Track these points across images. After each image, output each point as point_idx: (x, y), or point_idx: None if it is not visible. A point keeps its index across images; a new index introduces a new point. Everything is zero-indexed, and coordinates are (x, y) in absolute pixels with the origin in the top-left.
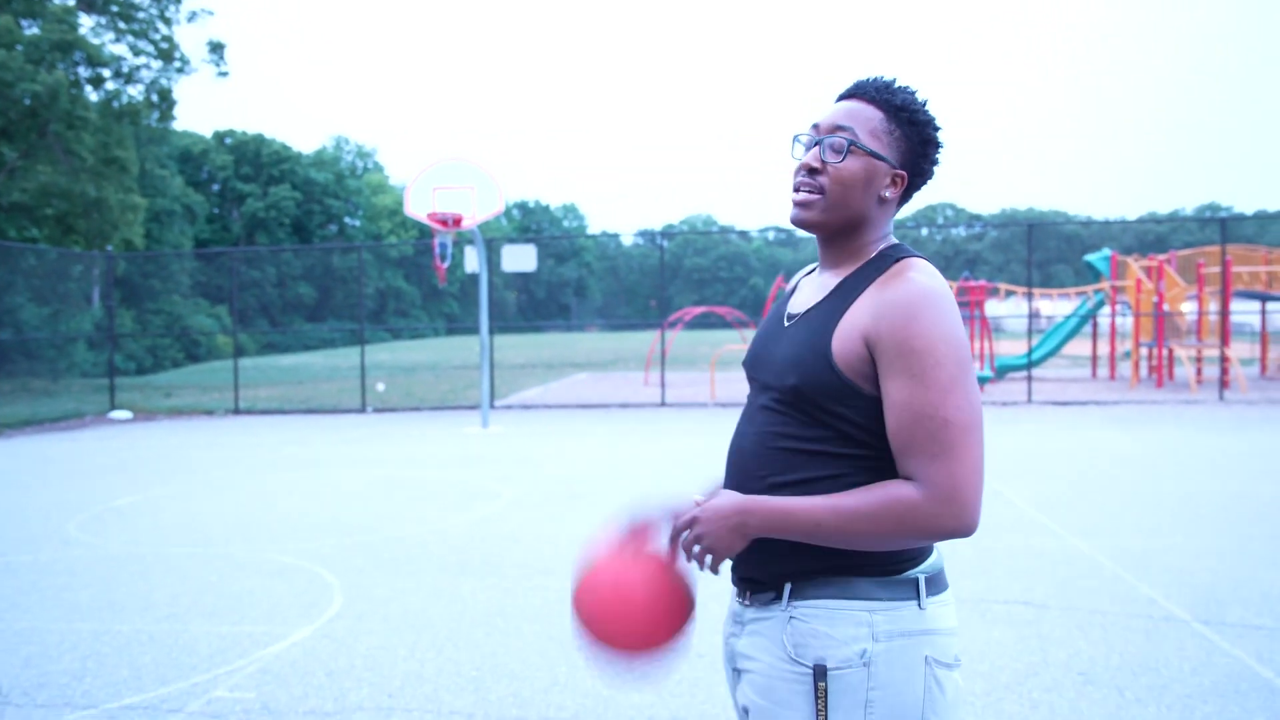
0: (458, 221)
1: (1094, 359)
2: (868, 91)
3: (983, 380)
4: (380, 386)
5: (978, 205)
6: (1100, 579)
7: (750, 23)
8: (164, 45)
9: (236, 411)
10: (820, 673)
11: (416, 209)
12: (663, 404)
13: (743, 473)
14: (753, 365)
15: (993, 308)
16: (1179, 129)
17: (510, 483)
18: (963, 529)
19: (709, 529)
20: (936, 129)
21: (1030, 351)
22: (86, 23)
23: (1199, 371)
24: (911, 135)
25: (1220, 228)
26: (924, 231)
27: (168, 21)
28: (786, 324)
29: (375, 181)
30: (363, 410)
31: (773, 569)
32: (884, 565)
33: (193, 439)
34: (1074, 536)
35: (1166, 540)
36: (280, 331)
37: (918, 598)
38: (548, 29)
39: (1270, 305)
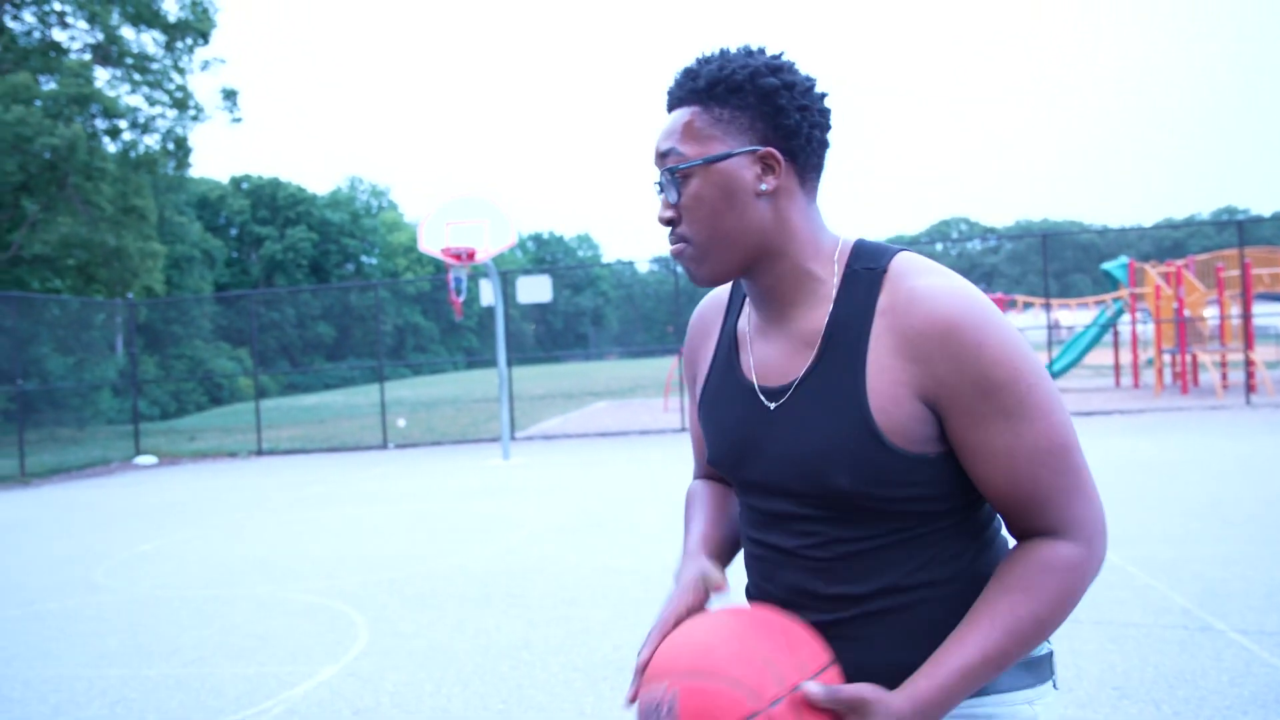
0: (471, 255)
1: (1116, 368)
2: (675, 93)
3: None
4: (401, 423)
5: (991, 218)
6: (1131, 590)
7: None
8: (178, 95)
9: (259, 453)
10: None
11: (430, 245)
12: (683, 429)
13: (805, 595)
14: (737, 464)
15: (1011, 319)
16: (1193, 134)
17: (533, 514)
18: (1102, 564)
19: None
20: (772, 78)
21: (1051, 363)
22: (102, 76)
23: (1224, 376)
24: (744, 104)
25: (1238, 231)
26: (938, 246)
27: (181, 71)
28: (770, 405)
29: (390, 219)
30: (384, 447)
31: (903, 666)
32: None
33: (217, 482)
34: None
35: (1198, 548)
36: (301, 371)
37: (1053, 675)
38: (555, 63)
39: None
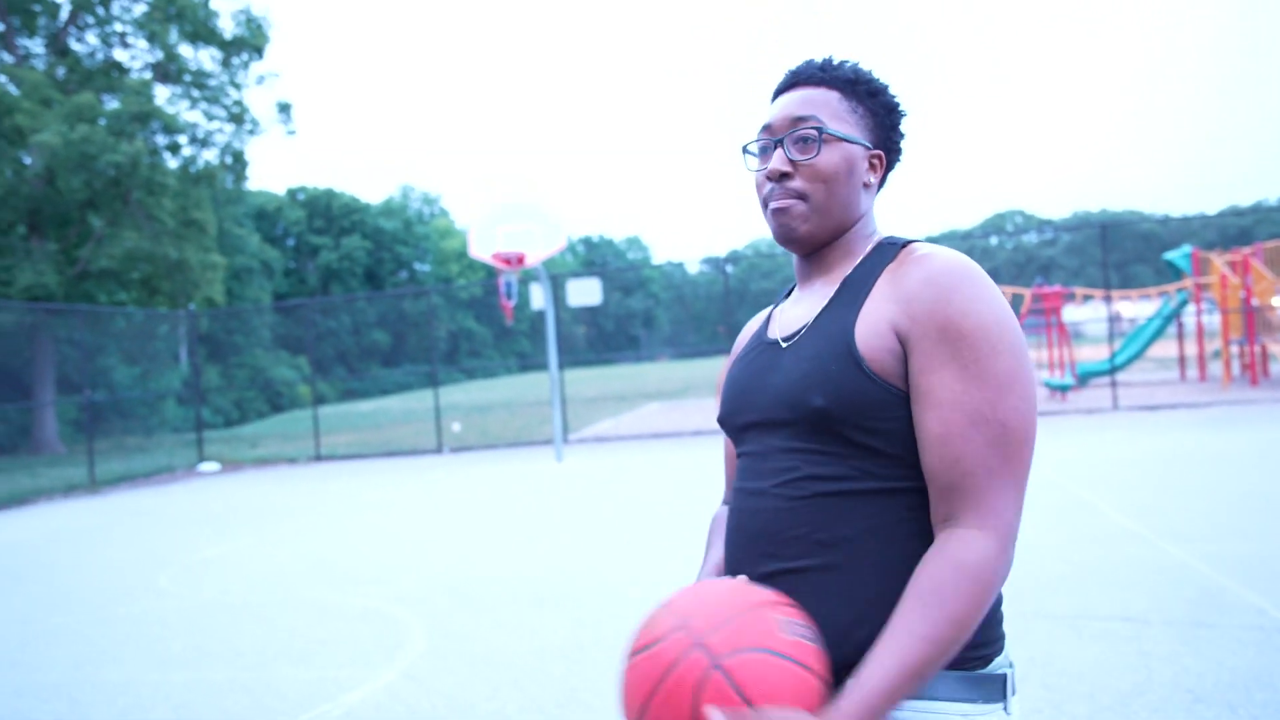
0: (521, 260)
1: (1181, 360)
2: (813, 75)
3: (1064, 388)
4: (456, 427)
5: (1048, 210)
6: (1202, 589)
7: (802, 46)
8: (235, 110)
9: (318, 458)
10: None
11: (480, 250)
12: None
13: (770, 538)
14: (741, 408)
15: (1070, 313)
16: (1258, 116)
17: (586, 515)
18: (1010, 566)
19: None
20: (894, 95)
21: (1113, 356)
22: (162, 93)
23: None
24: (875, 108)
25: None
26: (993, 240)
27: (237, 87)
28: (784, 345)
29: (442, 226)
30: (439, 451)
31: (843, 624)
32: (975, 656)
33: (277, 488)
34: (1171, 545)
35: (1272, 545)
36: (358, 378)
37: (1005, 699)
38: (603, 68)
39: None
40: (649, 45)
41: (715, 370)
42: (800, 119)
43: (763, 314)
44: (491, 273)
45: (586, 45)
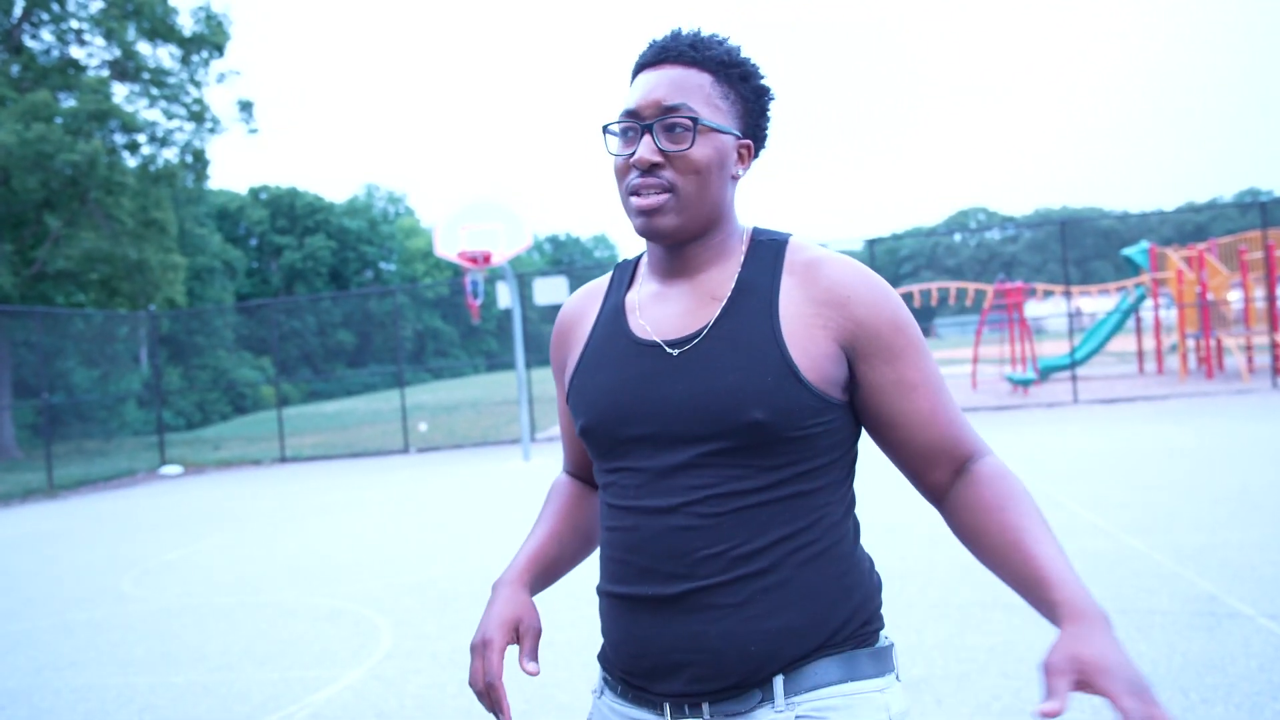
0: (487, 259)
1: (1139, 354)
2: (683, 53)
3: (1026, 382)
4: (422, 427)
5: (1010, 207)
6: (1158, 577)
7: (764, 42)
8: (195, 108)
9: (283, 460)
10: None
11: (446, 249)
12: None
13: (681, 559)
14: (626, 420)
15: (1032, 309)
16: (1214, 115)
17: None
18: None
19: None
20: (765, 79)
21: (1073, 351)
22: (120, 91)
23: (1250, 360)
24: (747, 94)
25: (1261, 212)
26: (957, 237)
27: (197, 84)
28: (673, 352)
29: (407, 225)
30: (406, 451)
31: (753, 659)
32: (870, 631)
33: (241, 490)
34: (1129, 535)
35: (1225, 534)
36: (323, 379)
37: (895, 668)
38: (568, 65)
39: None
40: (615, 43)
41: None
42: (672, 108)
43: (593, 294)
44: (458, 272)
45: (551, 43)
